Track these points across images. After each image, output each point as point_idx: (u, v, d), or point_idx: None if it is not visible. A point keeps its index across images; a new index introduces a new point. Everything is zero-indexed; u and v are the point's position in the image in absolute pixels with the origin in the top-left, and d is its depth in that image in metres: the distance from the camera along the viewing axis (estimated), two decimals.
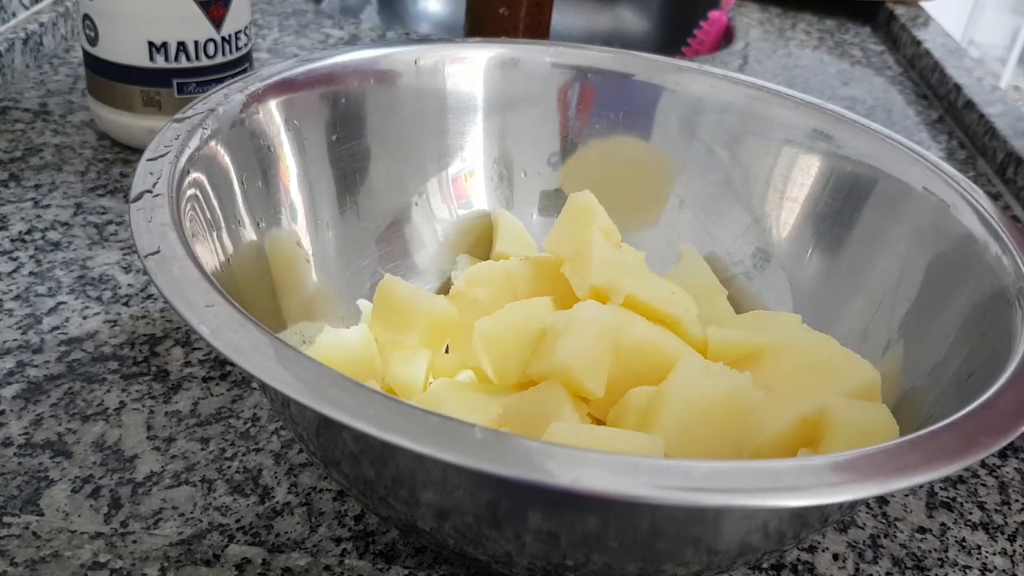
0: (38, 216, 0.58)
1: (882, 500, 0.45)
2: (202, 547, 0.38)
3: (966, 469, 0.47)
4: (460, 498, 0.31)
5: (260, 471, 0.42)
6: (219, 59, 0.64)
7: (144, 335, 0.49)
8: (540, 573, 0.33)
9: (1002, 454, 0.49)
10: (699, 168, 0.55)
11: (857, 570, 0.41)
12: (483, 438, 0.26)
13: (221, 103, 0.43)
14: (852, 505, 0.37)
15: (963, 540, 0.43)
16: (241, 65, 0.66)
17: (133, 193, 0.35)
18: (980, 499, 0.46)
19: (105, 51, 0.62)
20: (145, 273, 0.49)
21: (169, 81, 0.63)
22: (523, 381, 0.41)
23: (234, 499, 0.40)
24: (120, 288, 0.53)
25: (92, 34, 0.62)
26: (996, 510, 0.45)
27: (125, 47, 0.62)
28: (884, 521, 0.44)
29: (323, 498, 0.41)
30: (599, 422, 0.40)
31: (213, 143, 0.41)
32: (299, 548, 0.38)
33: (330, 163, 0.49)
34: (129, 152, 0.67)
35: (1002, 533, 0.44)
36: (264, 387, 0.39)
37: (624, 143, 0.56)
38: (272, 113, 0.46)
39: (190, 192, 0.38)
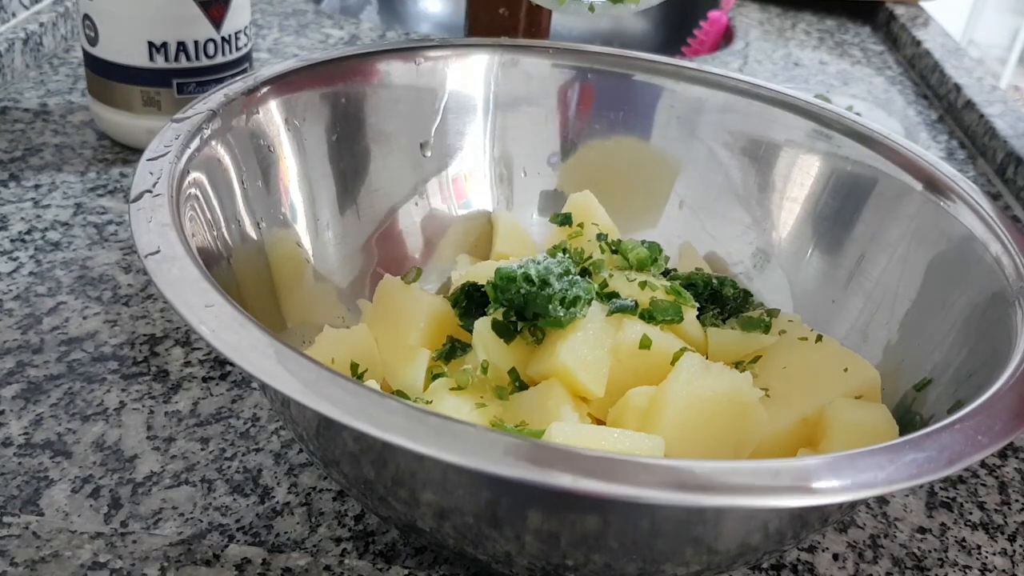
0: (38, 216, 0.58)
1: (882, 500, 0.45)
2: (202, 547, 0.38)
3: (966, 469, 0.47)
4: (460, 498, 0.31)
5: (260, 471, 0.42)
6: (219, 59, 0.64)
7: (144, 335, 0.49)
8: (540, 573, 0.33)
9: (1002, 454, 0.49)
10: (699, 168, 0.55)
11: (857, 570, 0.41)
12: (483, 438, 0.26)
13: (221, 103, 0.43)
14: (852, 505, 0.37)
15: (963, 540, 0.43)
16: (241, 65, 0.66)
17: (133, 193, 0.35)
18: (980, 499, 0.46)
19: (105, 51, 0.62)
20: (145, 273, 0.49)
21: (169, 81, 0.63)
22: (523, 381, 0.41)
23: (234, 499, 0.40)
24: (120, 288, 0.53)
25: (92, 34, 0.62)
26: (996, 510, 0.45)
27: (125, 47, 0.62)
28: (884, 521, 0.44)
29: (323, 498, 0.41)
30: (599, 422, 0.40)
31: (213, 143, 0.41)
32: (299, 548, 0.38)
33: (330, 163, 0.49)
34: (129, 152, 0.67)
35: (1002, 533, 0.44)
36: (264, 387, 0.39)
37: (624, 143, 0.56)
38: (272, 113, 0.46)
39: (190, 192, 0.38)
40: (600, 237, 0.50)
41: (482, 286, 0.45)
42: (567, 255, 0.45)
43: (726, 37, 1.10)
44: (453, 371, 0.44)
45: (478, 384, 0.41)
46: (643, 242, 0.48)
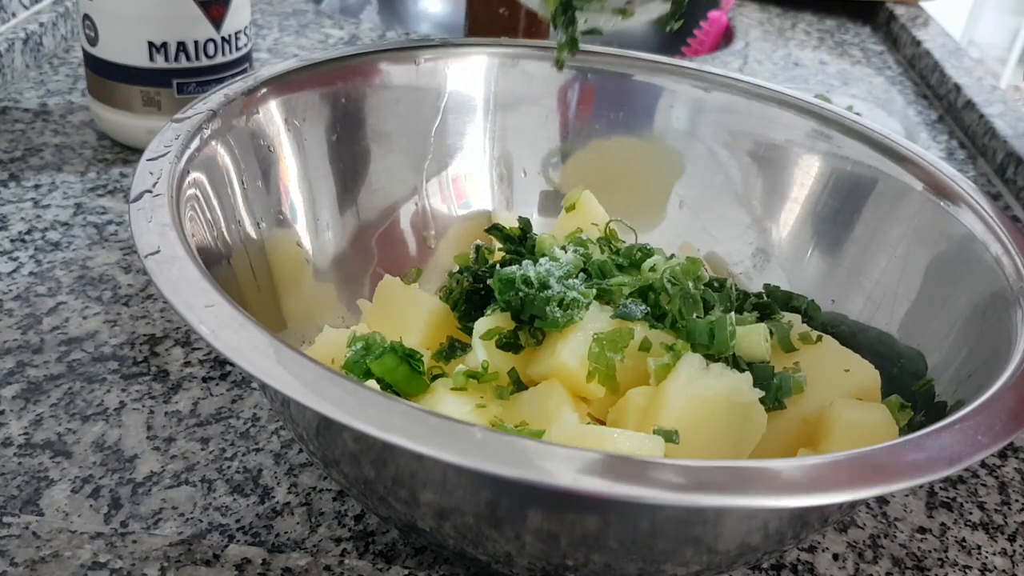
0: (38, 216, 0.58)
1: (882, 500, 0.45)
2: (202, 547, 0.38)
3: (966, 469, 0.47)
4: (460, 498, 0.31)
5: (260, 471, 0.42)
6: (219, 59, 0.64)
7: (144, 335, 0.49)
8: (540, 573, 0.33)
9: (1002, 454, 0.49)
10: (699, 168, 0.55)
11: (857, 570, 0.41)
12: (483, 438, 0.26)
13: (221, 103, 0.43)
14: (852, 505, 0.37)
15: (963, 540, 0.43)
16: (241, 65, 0.66)
17: (133, 193, 0.35)
18: (980, 499, 0.46)
19: (105, 51, 0.62)
20: (145, 273, 0.49)
21: (169, 81, 0.63)
22: (523, 381, 0.41)
23: (234, 499, 0.40)
24: (120, 288, 0.53)
25: (92, 34, 0.62)
26: (996, 510, 0.45)
27: (125, 47, 0.62)
28: (884, 521, 0.44)
29: (323, 498, 0.41)
30: (599, 422, 0.40)
31: (213, 143, 0.41)
32: (299, 548, 0.38)
33: (330, 163, 0.49)
34: (129, 152, 0.67)
35: (1002, 533, 0.44)
36: (264, 387, 0.39)
37: (624, 143, 0.56)
38: (272, 113, 0.46)
39: (190, 192, 0.38)
40: (601, 240, 0.50)
41: (481, 286, 0.45)
42: (578, 254, 0.45)
43: (726, 37, 1.10)
44: (453, 371, 0.44)
45: (478, 384, 0.41)
46: (646, 245, 0.48)
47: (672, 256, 0.49)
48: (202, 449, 0.43)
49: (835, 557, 0.41)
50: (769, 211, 0.53)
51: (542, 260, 0.43)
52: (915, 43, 1.07)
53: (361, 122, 0.51)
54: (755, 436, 0.38)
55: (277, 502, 0.40)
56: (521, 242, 0.49)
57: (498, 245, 0.51)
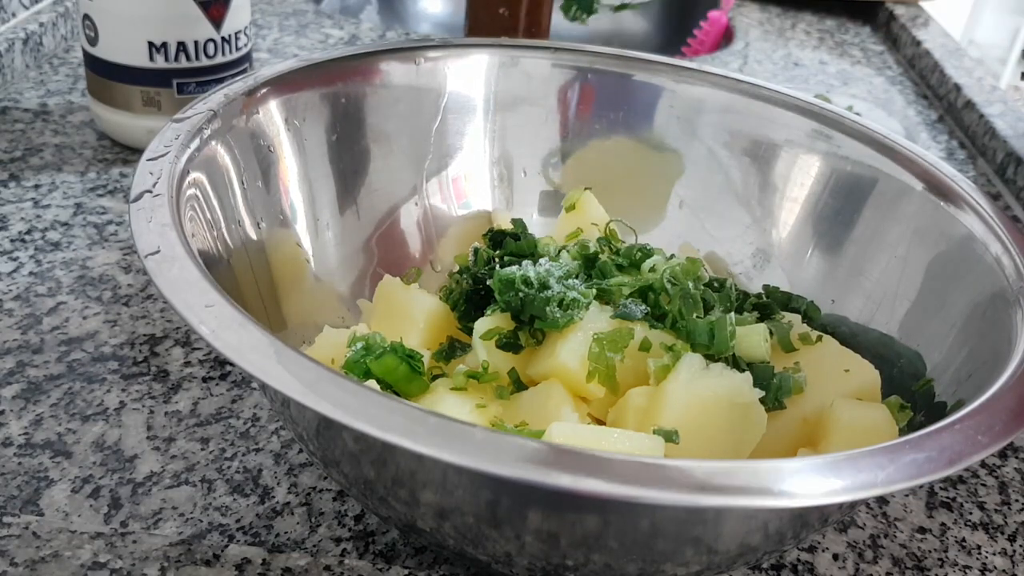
0: (38, 216, 0.58)
1: (882, 500, 0.45)
2: (202, 547, 0.38)
3: (966, 469, 0.47)
4: (460, 498, 0.31)
5: (260, 471, 0.42)
6: (219, 59, 0.64)
7: (144, 335, 0.49)
8: (540, 573, 0.33)
9: (1002, 454, 0.49)
10: (699, 168, 0.55)
11: (857, 570, 0.41)
12: (483, 438, 0.26)
13: (221, 103, 0.43)
14: (852, 505, 0.37)
15: (963, 540, 0.43)
16: (241, 65, 0.66)
17: (133, 193, 0.35)
18: (980, 499, 0.46)
19: (105, 51, 0.62)
20: (145, 273, 0.49)
21: (169, 81, 0.63)
22: (523, 381, 0.41)
23: (234, 499, 0.40)
24: (120, 288, 0.53)
25: (92, 34, 0.62)
26: (996, 510, 0.45)
27: (125, 47, 0.62)
28: (884, 521, 0.44)
29: (323, 498, 0.41)
30: (599, 422, 0.40)
31: (213, 143, 0.41)
32: (299, 548, 0.38)
33: (330, 163, 0.49)
34: (129, 152, 0.67)
35: (1002, 533, 0.44)
36: (264, 387, 0.39)
37: (624, 143, 0.56)
38: (272, 113, 0.46)
39: (190, 192, 0.38)
40: (601, 240, 0.50)
41: (481, 287, 0.45)
42: (570, 255, 0.45)
43: (726, 37, 1.10)
44: (453, 371, 0.44)
45: (478, 384, 0.41)
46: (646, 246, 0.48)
47: (672, 256, 0.49)
48: (202, 449, 0.43)
49: (835, 557, 0.41)
50: (769, 211, 0.53)
51: (542, 260, 0.43)
52: (915, 43, 1.07)
53: (361, 122, 0.51)
54: (755, 436, 0.38)
55: (277, 502, 0.40)
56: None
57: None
